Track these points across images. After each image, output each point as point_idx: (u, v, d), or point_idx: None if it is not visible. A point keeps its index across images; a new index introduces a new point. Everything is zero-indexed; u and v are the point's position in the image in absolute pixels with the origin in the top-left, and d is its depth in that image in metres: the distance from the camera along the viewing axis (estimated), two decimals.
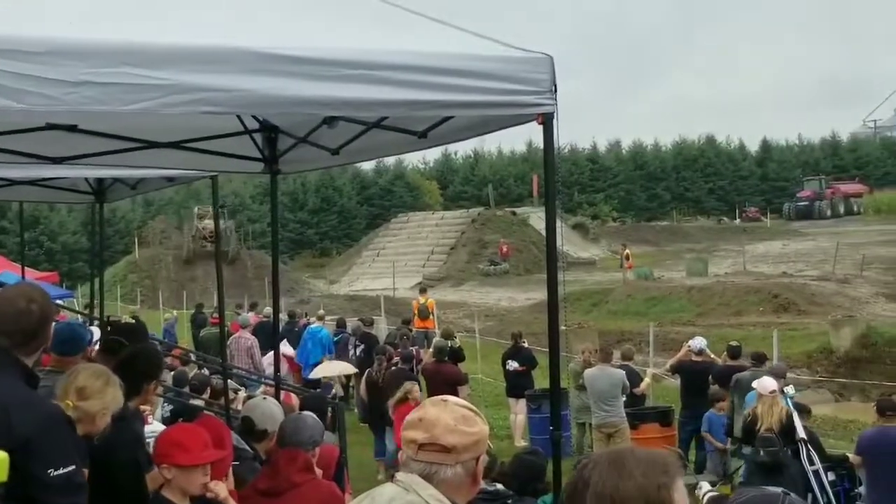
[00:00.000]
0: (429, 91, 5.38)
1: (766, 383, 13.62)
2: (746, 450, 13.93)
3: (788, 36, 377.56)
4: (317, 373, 20.84)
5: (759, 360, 16.62)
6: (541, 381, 20.22)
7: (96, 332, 13.72)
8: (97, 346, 8.61)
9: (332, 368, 21.36)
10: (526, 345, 21.36)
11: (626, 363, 18.67)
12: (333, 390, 21.47)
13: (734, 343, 18.39)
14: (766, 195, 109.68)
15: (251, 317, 24.36)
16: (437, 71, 5.37)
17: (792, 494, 2.64)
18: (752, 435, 13.29)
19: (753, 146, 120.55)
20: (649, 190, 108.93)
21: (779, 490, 2.64)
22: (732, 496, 2.72)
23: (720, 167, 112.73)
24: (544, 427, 16.89)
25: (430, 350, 20.16)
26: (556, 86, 5.79)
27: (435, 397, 3.75)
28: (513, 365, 20.63)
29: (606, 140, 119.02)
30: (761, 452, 13.11)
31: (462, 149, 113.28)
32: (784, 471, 12.74)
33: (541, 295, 35.52)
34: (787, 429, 13.10)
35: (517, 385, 20.39)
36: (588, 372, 16.83)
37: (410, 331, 26.02)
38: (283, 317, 25.64)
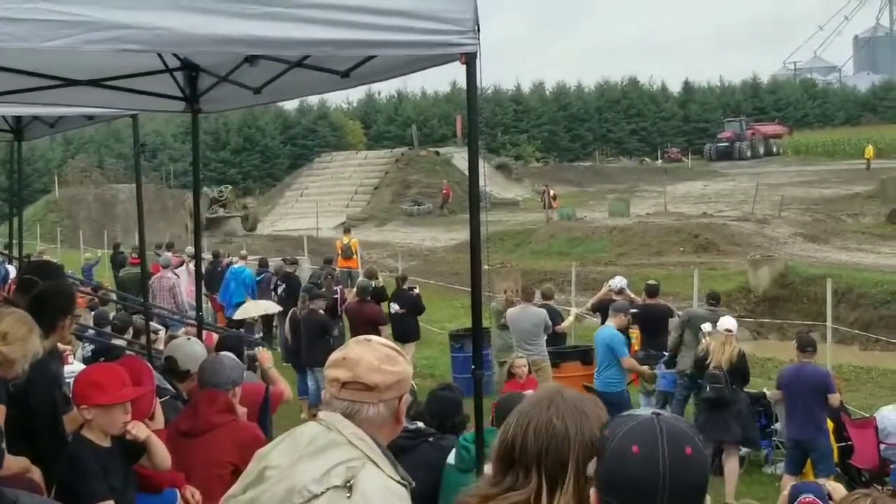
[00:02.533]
0: (351, 30, 5.34)
1: (725, 322, 13.81)
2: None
3: None
4: (240, 313, 20.74)
5: (716, 299, 16.81)
6: (445, 322, 20.11)
7: (12, 271, 13.55)
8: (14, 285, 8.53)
9: (255, 308, 21.26)
10: (413, 289, 21.23)
11: (546, 302, 18.75)
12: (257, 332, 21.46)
13: (652, 282, 18.54)
14: (687, 136, 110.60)
15: (171, 257, 24.16)
16: (359, 9, 5.33)
17: (664, 413, 2.68)
18: (703, 370, 13.54)
19: (675, 88, 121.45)
20: (572, 131, 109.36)
21: (649, 412, 2.67)
22: (610, 422, 2.77)
23: (643, 108, 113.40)
24: (466, 366, 17.00)
25: (354, 289, 20.12)
26: (478, 25, 5.77)
27: (359, 336, 3.75)
28: (394, 307, 20.50)
29: (530, 81, 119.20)
30: (707, 388, 13.35)
31: (386, 89, 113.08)
32: (730, 406, 13.01)
33: (464, 235, 35.53)
34: (737, 367, 13.33)
35: (400, 328, 20.07)
36: (510, 311, 16.92)
37: (334, 270, 25.99)
38: (207, 256, 25.50)
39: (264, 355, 8.59)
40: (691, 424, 2.77)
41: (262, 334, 22.86)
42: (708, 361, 13.41)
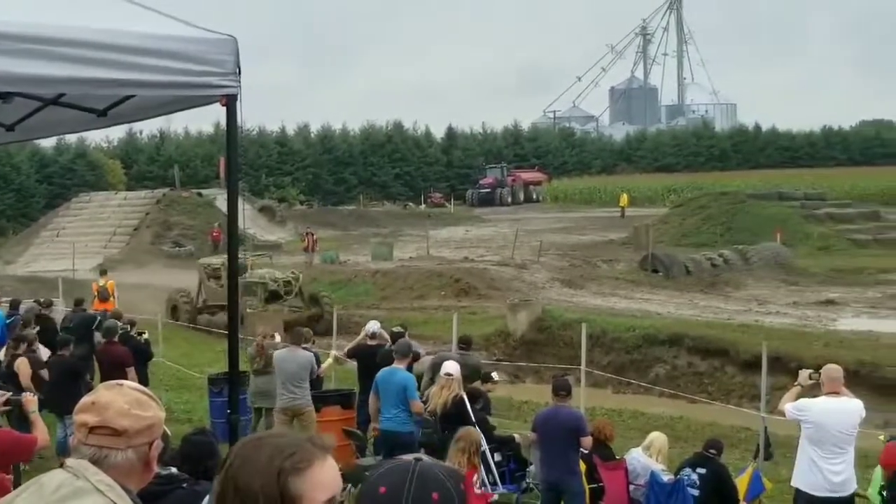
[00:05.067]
0: (108, 69, 5.27)
1: (446, 366, 13.97)
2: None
3: (478, 29, 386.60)
4: None
5: (466, 343, 17.01)
6: (205, 365, 19.69)
7: None
8: None
9: None
10: (141, 334, 20.86)
11: (305, 346, 18.67)
12: None
13: (397, 328, 18.87)
14: (450, 182, 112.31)
15: None
16: (116, 48, 5.27)
17: (425, 459, 2.72)
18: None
19: (440, 133, 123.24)
20: (337, 174, 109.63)
21: (411, 457, 2.71)
22: (370, 471, 2.77)
23: (407, 153, 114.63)
24: (224, 410, 16.76)
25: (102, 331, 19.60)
26: (239, 68, 5.77)
27: (110, 381, 3.67)
28: None
29: (295, 123, 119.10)
30: (420, 433, 13.51)
31: (147, 128, 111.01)
32: (442, 453, 13.10)
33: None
34: (454, 412, 13.46)
35: None
36: (278, 353, 16.75)
37: (84, 311, 25.27)
38: None
39: (28, 399, 8.32)
40: (456, 472, 2.80)
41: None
42: (427, 406, 13.60)
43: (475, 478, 11.43)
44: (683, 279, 43.68)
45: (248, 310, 32.14)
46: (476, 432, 12.18)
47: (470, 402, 13.91)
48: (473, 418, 13.64)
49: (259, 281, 35.87)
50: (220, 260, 38.72)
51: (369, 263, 51.14)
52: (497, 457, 13.66)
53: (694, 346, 29.22)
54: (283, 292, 36.50)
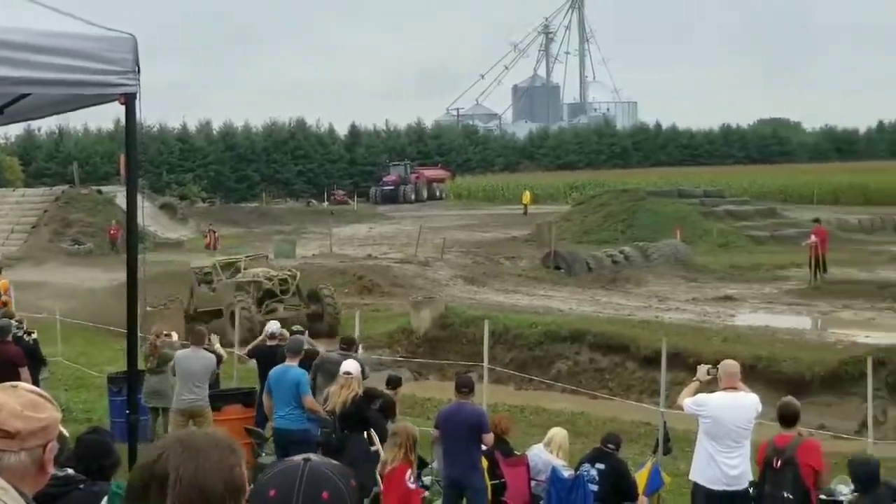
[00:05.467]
0: (3, 67, 5.20)
1: (346, 365, 13.98)
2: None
3: (382, 26, 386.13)
4: None
5: (348, 344, 17.02)
6: (104, 364, 19.45)
7: None
8: None
9: None
10: (30, 333, 20.52)
11: (206, 346, 18.55)
12: None
13: (296, 327, 18.90)
14: (353, 179, 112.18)
15: None
16: (11, 46, 5.21)
17: (314, 458, 2.75)
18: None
19: (343, 131, 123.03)
20: (239, 171, 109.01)
21: (300, 458, 2.74)
22: (261, 474, 2.81)
23: (310, 150, 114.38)
24: (124, 410, 16.59)
25: None
26: (139, 66, 5.73)
27: (4, 383, 3.63)
28: None
29: (197, 120, 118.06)
30: (319, 432, 13.50)
31: (46, 125, 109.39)
32: (340, 452, 13.11)
33: (125, 275, 34.68)
34: (353, 412, 13.47)
35: None
36: (180, 353, 16.59)
37: None
38: None
39: None
40: (346, 469, 2.83)
41: None
42: (326, 405, 13.61)
43: (408, 473, 11.52)
44: (585, 276, 44.03)
45: (241, 310, 32.08)
46: (412, 427, 12.24)
47: (367, 401, 13.92)
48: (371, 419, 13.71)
49: (252, 280, 34.93)
50: (211, 263, 38.19)
51: (272, 261, 50.83)
52: None
53: (595, 343, 29.47)
54: (278, 291, 35.21)
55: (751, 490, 11.08)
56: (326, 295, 35.54)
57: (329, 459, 2.85)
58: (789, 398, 11.45)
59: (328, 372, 15.47)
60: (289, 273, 36.68)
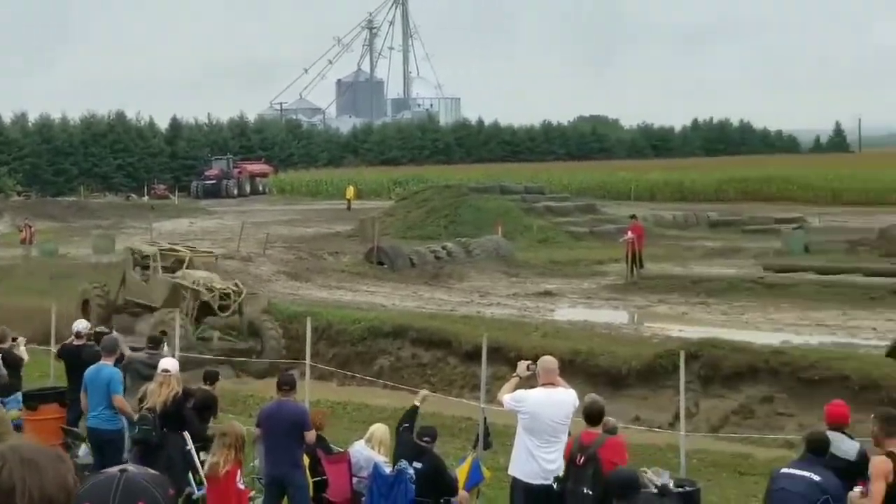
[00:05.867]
0: None
1: (164, 363, 13.83)
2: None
3: (206, 18, 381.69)
4: None
5: (155, 343, 16.81)
6: None
7: None
8: None
9: None
10: None
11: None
12: None
13: (102, 329, 18.70)
14: (175, 173, 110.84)
15: None
16: None
17: (130, 469, 2.76)
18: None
19: (164, 124, 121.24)
20: (56, 164, 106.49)
21: (117, 469, 2.75)
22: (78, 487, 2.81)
23: (129, 144, 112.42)
24: None
25: None
26: None
27: None
28: None
29: (12, 112, 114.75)
30: (137, 429, 13.34)
31: None
32: (159, 450, 12.99)
33: None
34: (173, 410, 13.34)
35: None
36: None
37: None
38: None
39: None
40: (163, 478, 2.83)
41: None
42: (144, 403, 13.47)
43: (239, 474, 11.43)
44: (408, 271, 44.21)
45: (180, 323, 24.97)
46: (240, 427, 12.18)
47: (186, 400, 13.81)
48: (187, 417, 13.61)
49: (191, 286, 29.60)
50: (154, 249, 32.45)
51: (90, 256, 49.81)
52: (203, 455, 13.59)
53: (418, 338, 29.61)
54: (216, 306, 29.37)
55: (555, 485, 11.23)
56: (269, 328, 30.04)
57: (146, 469, 2.85)
58: (594, 397, 11.68)
59: (136, 372, 15.34)
60: (234, 287, 30.42)
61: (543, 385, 11.78)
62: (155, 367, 14.26)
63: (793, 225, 56.41)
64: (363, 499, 13.09)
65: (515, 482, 11.92)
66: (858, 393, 21.62)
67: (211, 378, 15.62)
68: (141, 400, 13.70)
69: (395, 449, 13.22)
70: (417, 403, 13.58)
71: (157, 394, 13.33)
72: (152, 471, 2.92)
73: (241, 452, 11.80)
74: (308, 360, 20.39)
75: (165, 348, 17.12)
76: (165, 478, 2.80)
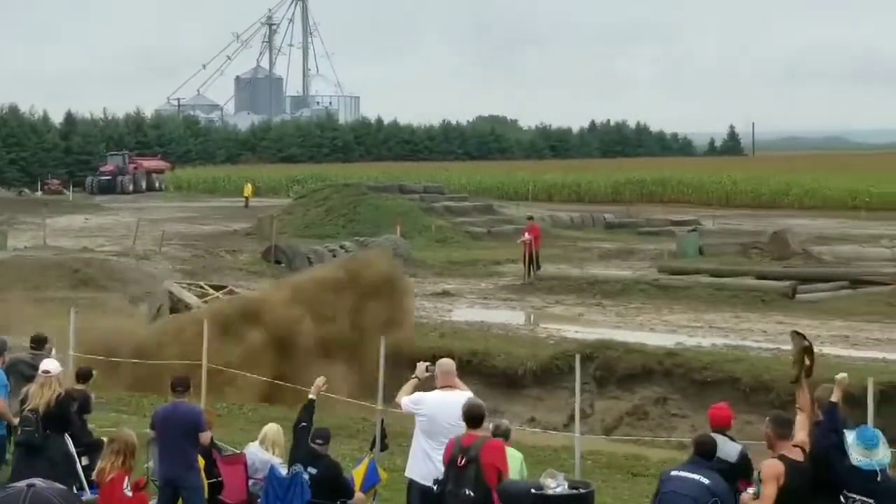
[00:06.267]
0: None
1: (45, 364, 13.59)
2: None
3: (101, 11, 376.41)
4: None
5: (39, 343, 16.49)
6: None
7: None
8: None
9: None
10: None
11: None
12: None
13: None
14: (69, 168, 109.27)
15: None
16: None
17: (38, 483, 2.76)
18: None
19: (58, 118, 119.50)
20: None
21: (24, 484, 2.75)
22: None
23: (23, 138, 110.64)
24: None
25: None
26: None
27: None
28: None
29: None
30: (19, 431, 13.13)
31: None
32: (41, 453, 12.81)
33: None
34: (57, 412, 13.13)
35: None
36: None
37: None
38: None
39: None
40: (70, 493, 2.83)
41: None
42: (26, 405, 13.25)
43: (126, 481, 11.31)
44: (306, 270, 44.08)
45: None
46: (130, 434, 12.04)
47: (70, 401, 13.61)
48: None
49: None
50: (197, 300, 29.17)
51: None
52: (84, 461, 13.41)
53: None
54: None
55: (435, 488, 11.26)
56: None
57: (53, 483, 2.86)
58: (474, 400, 11.67)
59: (20, 374, 15.02)
60: None
61: (441, 387, 11.83)
62: (38, 367, 13.99)
63: (687, 227, 57.30)
64: (259, 500, 13.04)
65: (412, 484, 11.95)
66: (749, 394, 22.12)
67: (84, 376, 15.12)
68: (23, 402, 13.45)
69: (291, 448, 13.16)
70: (313, 396, 13.44)
71: (39, 395, 13.07)
72: (59, 485, 2.92)
73: (130, 459, 11.68)
74: (205, 362, 20.24)
75: (53, 351, 16.79)
76: (73, 493, 2.80)
